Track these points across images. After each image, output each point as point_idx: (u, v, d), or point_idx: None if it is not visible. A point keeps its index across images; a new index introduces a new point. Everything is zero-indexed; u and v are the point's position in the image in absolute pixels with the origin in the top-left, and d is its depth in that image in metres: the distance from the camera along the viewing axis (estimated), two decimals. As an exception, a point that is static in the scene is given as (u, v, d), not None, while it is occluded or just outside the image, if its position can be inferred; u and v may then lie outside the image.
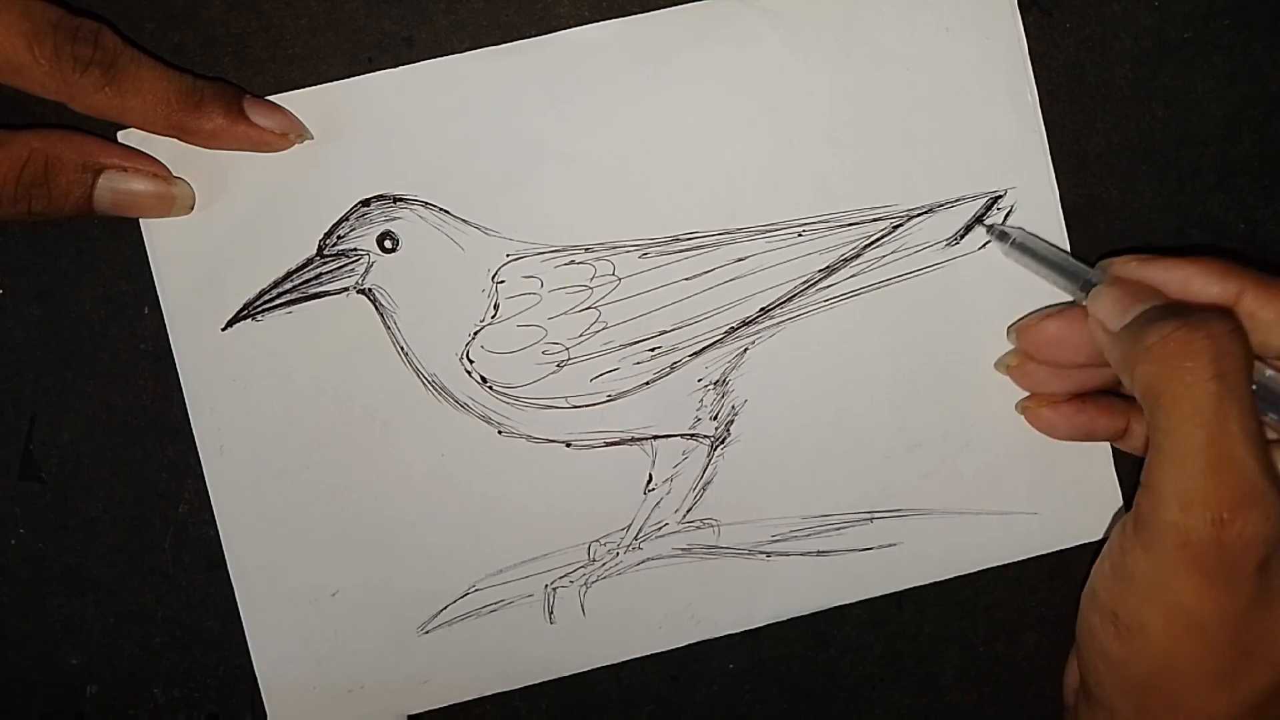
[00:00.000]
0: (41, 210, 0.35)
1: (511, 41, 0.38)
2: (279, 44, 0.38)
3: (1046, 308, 0.38)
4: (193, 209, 0.37)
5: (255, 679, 0.39)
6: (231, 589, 0.39)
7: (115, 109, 0.34)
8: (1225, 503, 0.31)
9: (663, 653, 0.40)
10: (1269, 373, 0.34)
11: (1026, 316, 0.38)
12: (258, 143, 0.36)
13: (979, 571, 0.40)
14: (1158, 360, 0.32)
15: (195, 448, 0.38)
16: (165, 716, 0.40)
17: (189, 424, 0.38)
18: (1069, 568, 0.40)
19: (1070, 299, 0.37)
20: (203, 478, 0.38)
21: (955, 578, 0.40)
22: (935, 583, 0.40)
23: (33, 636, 0.39)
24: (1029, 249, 0.38)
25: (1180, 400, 0.31)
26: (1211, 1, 0.39)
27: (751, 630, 0.40)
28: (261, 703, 0.40)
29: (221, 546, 0.39)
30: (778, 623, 0.40)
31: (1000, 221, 0.38)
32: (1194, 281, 0.34)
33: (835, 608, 0.40)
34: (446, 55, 0.38)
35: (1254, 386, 0.32)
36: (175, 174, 0.37)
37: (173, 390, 0.38)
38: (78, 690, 0.40)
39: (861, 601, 0.40)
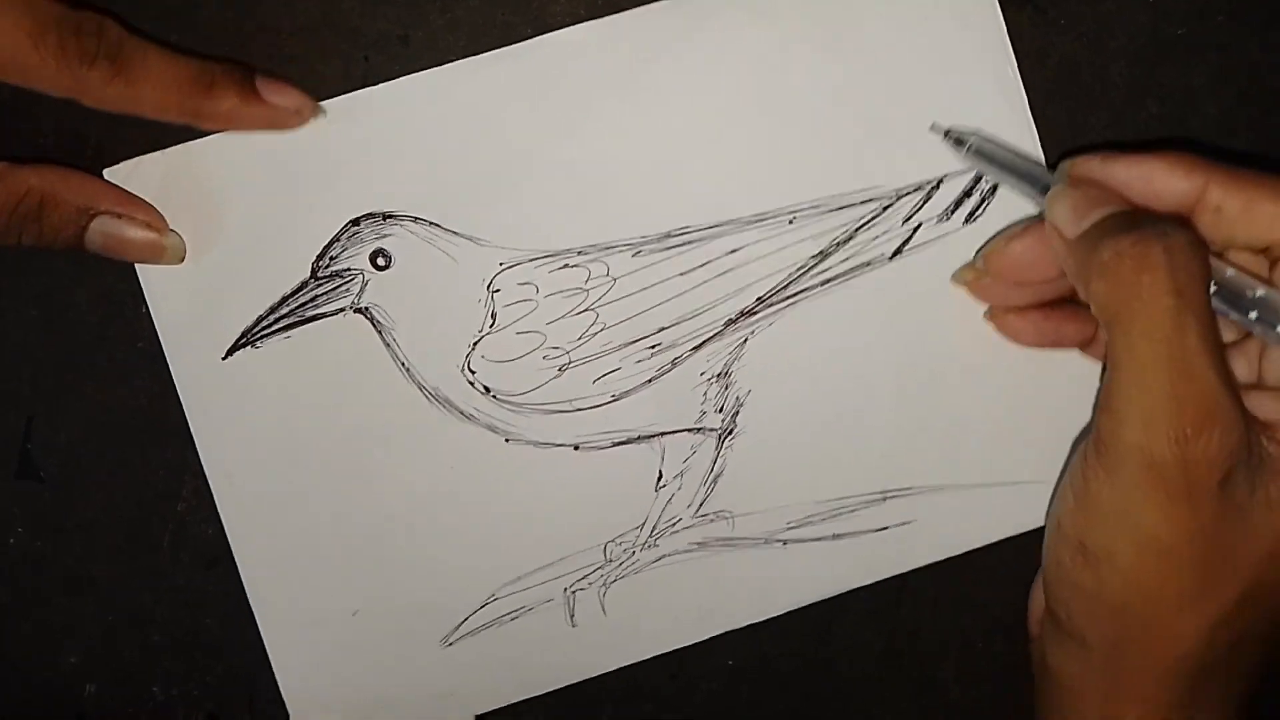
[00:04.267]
0: (31, 244, 0.35)
1: (507, 41, 0.38)
2: (275, 43, 0.38)
3: (1011, 226, 0.38)
4: (183, 260, 0.37)
5: (254, 679, 0.39)
6: (230, 588, 0.39)
7: (127, 99, 0.34)
8: (1188, 420, 0.30)
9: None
10: (1229, 272, 0.33)
11: (992, 240, 0.38)
12: (272, 121, 0.36)
13: (979, 570, 0.40)
14: (1113, 277, 0.31)
15: (194, 447, 0.38)
16: (164, 715, 0.40)
17: (186, 424, 0.38)
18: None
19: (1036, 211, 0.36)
20: (200, 476, 0.38)
21: (956, 578, 0.40)
22: (935, 582, 0.40)
23: (31, 636, 0.39)
24: (986, 154, 0.37)
25: (1137, 318, 0.31)
26: (1206, -2, 0.40)
27: (751, 627, 0.40)
28: (260, 703, 0.40)
29: (219, 545, 0.39)
30: (777, 621, 0.40)
31: (965, 145, 0.38)
32: (1158, 177, 0.33)
33: (836, 606, 0.40)
34: (444, 54, 0.38)
35: (1213, 286, 0.31)
36: (166, 201, 0.37)
37: (170, 390, 0.38)
38: (76, 690, 0.40)
39: (862, 600, 0.40)
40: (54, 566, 0.39)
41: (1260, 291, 0.32)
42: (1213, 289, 0.32)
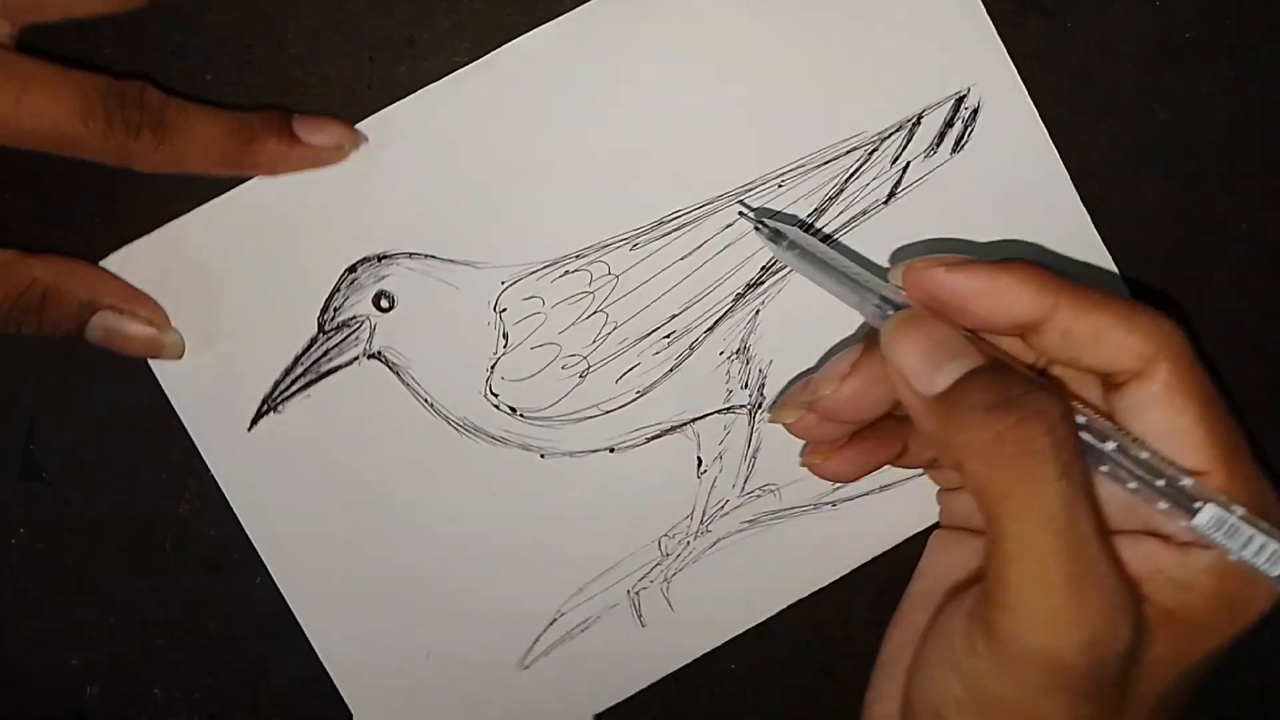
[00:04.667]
0: (30, 333, 0.35)
1: (513, 39, 0.38)
2: (281, 44, 0.38)
3: (840, 351, 0.36)
4: (181, 356, 0.37)
5: (255, 681, 0.39)
6: (233, 590, 0.39)
7: (172, 162, 0.35)
8: (1095, 624, 0.29)
9: (665, 653, 0.40)
10: (1084, 423, 0.31)
11: (821, 374, 0.35)
12: (315, 160, 0.37)
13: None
14: (993, 460, 0.29)
15: (196, 449, 0.38)
16: (166, 717, 0.40)
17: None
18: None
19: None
20: (204, 478, 0.38)
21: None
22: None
23: (33, 637, 0.39)
24: (807, 254, 0.35)
25: (1027, 507, 0.28)
26: (1215, 3, 0.39)
27: (753, 630, 0.40)
28: (262, 705, 0.40)
29: (222, 547, 0.39)
30: (779, 622, 0.40)
31: (782, 240, 0.36)
32: (1008, 294, 0.31)
33: (841, 607, 0.40)
34: (450, 55, 0.38)
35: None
36: (165, 284, 0.37)
37: (173, 391, 0.38)
38: (78, 691, 0.40)
39: (864, 602, 0.40)
40: (56, 567, 0.39)
41: (1111, 446, 0.31)
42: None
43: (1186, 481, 0.30)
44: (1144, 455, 0.31)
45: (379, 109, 0.38)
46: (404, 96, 0.38)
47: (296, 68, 0.38)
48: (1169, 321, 0.31)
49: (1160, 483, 0.30)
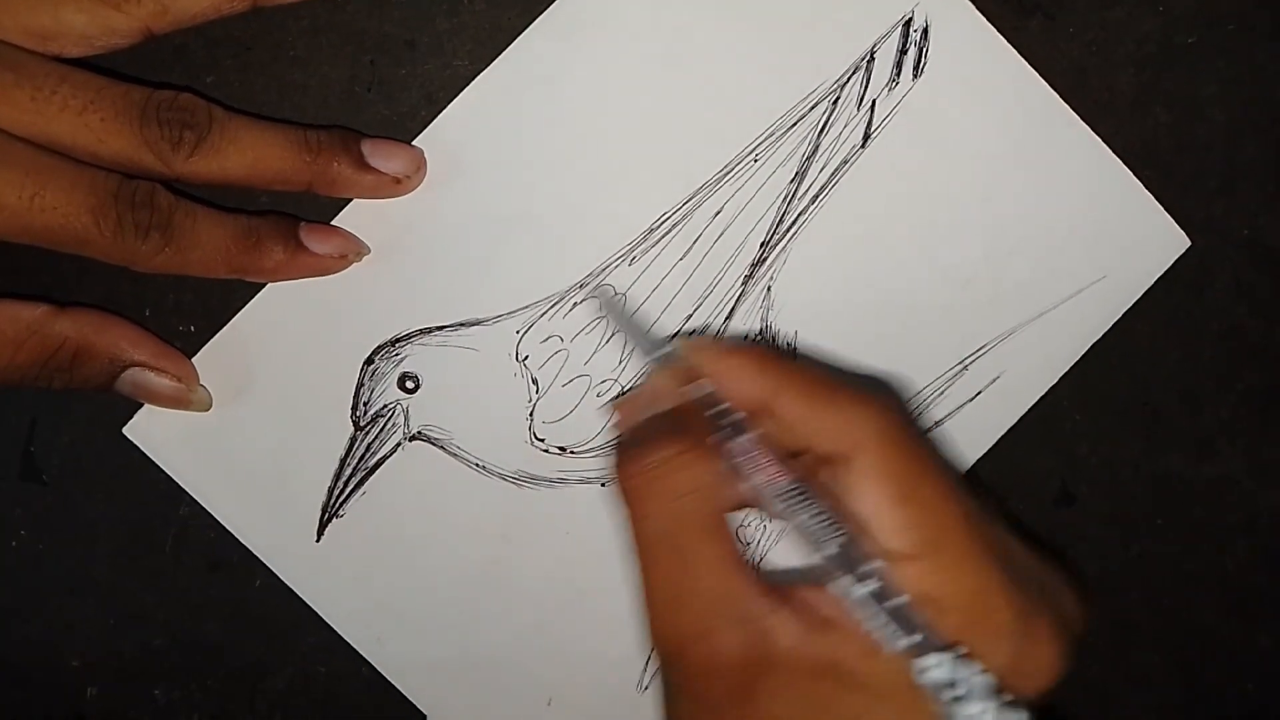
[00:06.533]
0: (60, 388, 0.35)
1: (513, 41, 0.38)
2: (281, 46, 0.38)
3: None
4: (209, 409, 0.38)
5: (255, 681, 0.39)
6: (233, 590, 0.39)
7: (177, 265, 0.34)
8: (687, 634, 0.31)
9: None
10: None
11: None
12: (318, 269, 0.37)
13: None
14: (621, 496, 0.32)
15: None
16: (166, 718, 0.40)
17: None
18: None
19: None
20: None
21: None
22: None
23: (33, 638, 0.39)
24: (614, 314, 0.38)
25: (639, 542, 0.32)
26: (1215, 6, 0.39)
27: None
28: (261, 707, 0.40)
29: (221, 548, 0.38)
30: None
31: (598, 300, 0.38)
32: (732, 376, 0.33)
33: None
34: (449, 58, 0.38)
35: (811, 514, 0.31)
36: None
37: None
38: (78, 692, 0.40)
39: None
40: (56, 568, 0.39)
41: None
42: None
43: (831, 550, 0.31)
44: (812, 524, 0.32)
45: (379, 111, 0.38)
46: (403, 98, 0.38)
47: (296, 70, 0.38)
48: (875, 405, 0.32)
49: (833, 551, 0.31)
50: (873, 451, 0.32)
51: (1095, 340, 0.40)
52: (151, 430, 0.38)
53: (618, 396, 0.38)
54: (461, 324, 0.38)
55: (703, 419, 0.33)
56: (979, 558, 0.31)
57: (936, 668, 0.30)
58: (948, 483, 0.32)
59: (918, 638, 0.30)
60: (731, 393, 0.33)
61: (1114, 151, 0.39)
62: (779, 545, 0.39)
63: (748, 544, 0.39)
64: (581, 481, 0.39)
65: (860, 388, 0.33)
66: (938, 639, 0.30)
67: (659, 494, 0.32)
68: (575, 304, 0.38)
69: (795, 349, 0.39)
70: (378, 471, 0.38)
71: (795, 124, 0.38)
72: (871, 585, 0.31)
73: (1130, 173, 0.39)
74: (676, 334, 0.38)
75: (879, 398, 0.33)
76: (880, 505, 0.31)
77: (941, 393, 0.39)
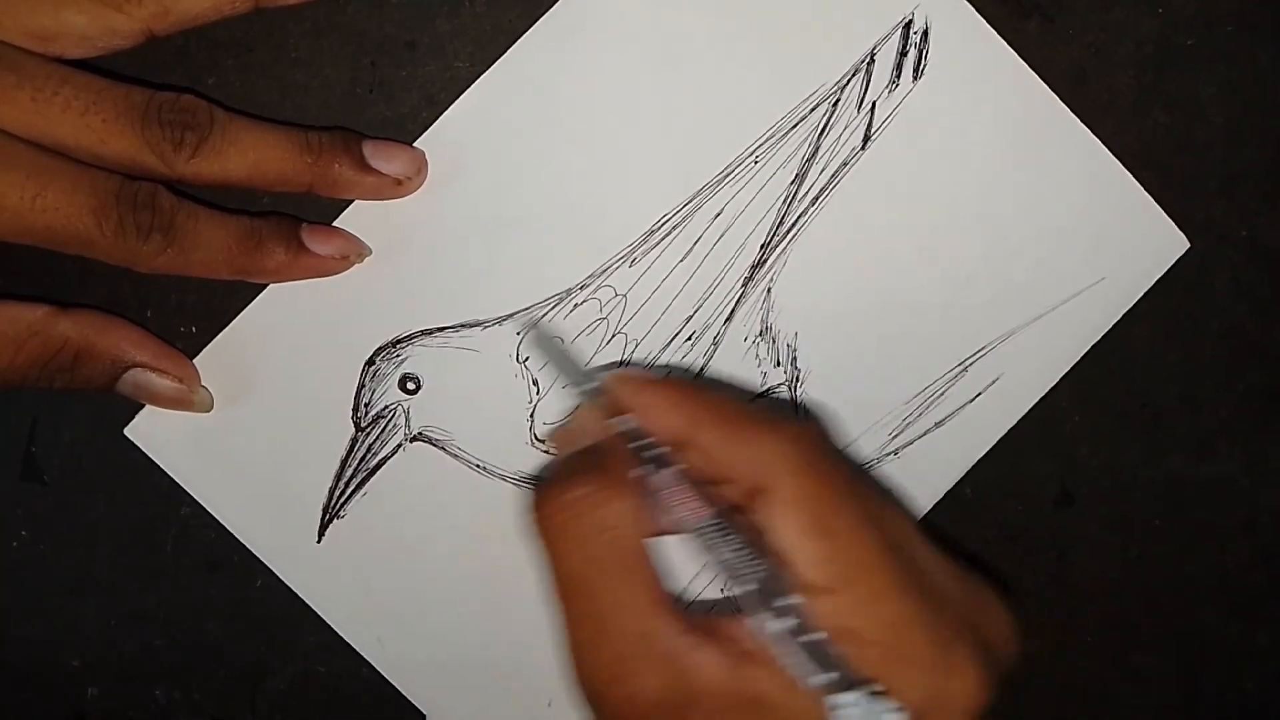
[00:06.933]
0: (61, 388, 0.35)
1: (514, 43, 0.38)
2: (282, 47, 0.38)
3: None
4: (210, 410, 0.38)
5: (255, 681, 0.39)
6: (233, 590, 0.39)
7: (179, 266, 0.35)
8: (605, 676, 0.31)
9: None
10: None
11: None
12: (320, 270, 0.37)
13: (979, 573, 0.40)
14: (537, 535, 0.33)
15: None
16: (166, 718, 0.40)
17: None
18: (1069, 574, 0.40)
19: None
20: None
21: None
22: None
23: (33, 638, 0.39)
24: (545, 349, 0.38)
25: (556, 582, 0.32)
26: (1215, 7, 0.39)
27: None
28: (261, 707, 0.40)
29: (221, 548, 0.39)
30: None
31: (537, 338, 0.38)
32: (653, 410, 0.33)
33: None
34: (450, 59, 0.38)
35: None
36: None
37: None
38: (78, 692, 0.40)
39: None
40: (57, 569, 0.39)
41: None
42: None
43: (750, 586, 0.31)
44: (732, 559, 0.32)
45: (380, 112, 0.38)
46: (405, 99, 0.38)
47: (298, 71, 0.38)
48: (790, 435, 0.32)
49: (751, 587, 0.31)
50: (788, 483, 0.31)
51: (1095, 341, 0.40)
52: (152, 431, 0.38)
53: (555, 428, 0.39)
54: (463, 325, 0.38)
55: (626, 453, 0.33)
56: (897, 589, 0.31)
57: (852, 705, 0.29)
58: (866, 511, 0.32)
59: (834, 675, 0.30)
60: (653, 426, 0.33)
61: (1113, 153, 0.39)
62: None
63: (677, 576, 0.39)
64: None
65: (779, 418, 0.33)
66: (852, 675, 0.30)
67: (574, 533, 0.32)
68: (576, 305, 0.38)
69: (795, 350, 0.39)
70: (378, 472, 0.38)
71: (795, 126, 0.38)
72: (789, 621, 0.30)
73: (1129, 174, 0.39)
74: (606, 366, 0.39)
75: (795, 428, 0.32)
76: (797, 538, 0.31)
77: (941, 394, 0.39)
